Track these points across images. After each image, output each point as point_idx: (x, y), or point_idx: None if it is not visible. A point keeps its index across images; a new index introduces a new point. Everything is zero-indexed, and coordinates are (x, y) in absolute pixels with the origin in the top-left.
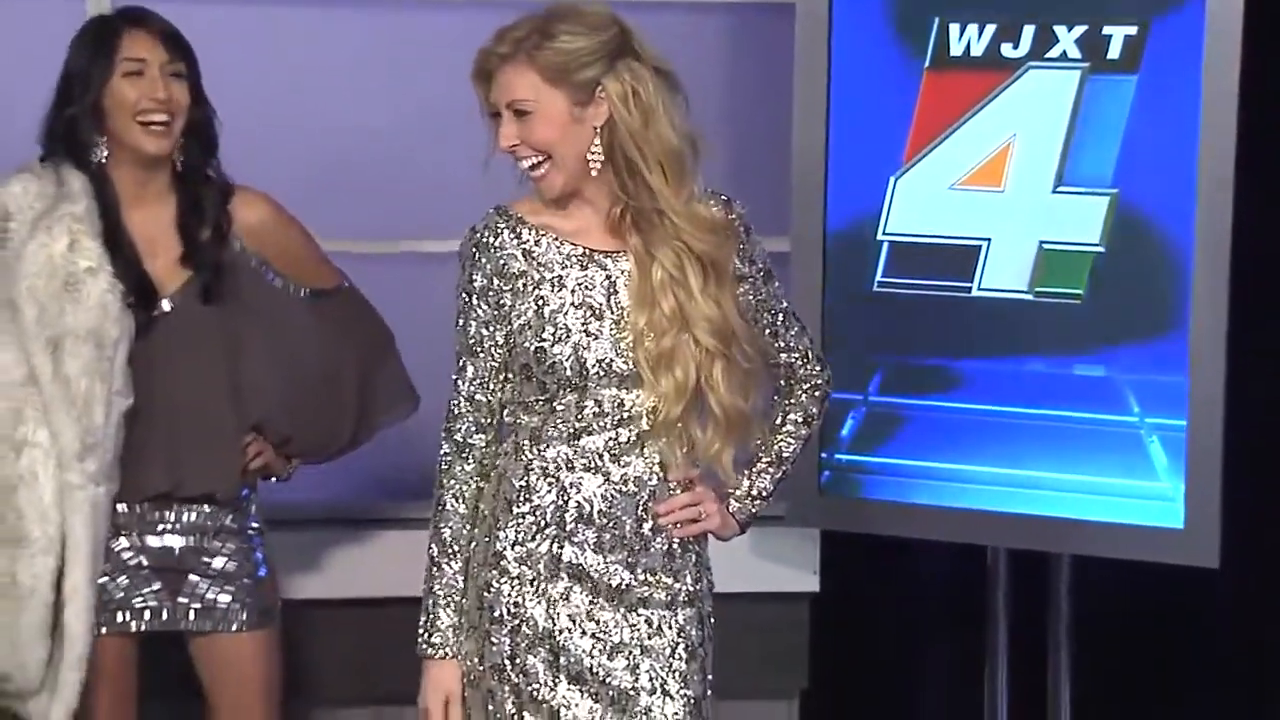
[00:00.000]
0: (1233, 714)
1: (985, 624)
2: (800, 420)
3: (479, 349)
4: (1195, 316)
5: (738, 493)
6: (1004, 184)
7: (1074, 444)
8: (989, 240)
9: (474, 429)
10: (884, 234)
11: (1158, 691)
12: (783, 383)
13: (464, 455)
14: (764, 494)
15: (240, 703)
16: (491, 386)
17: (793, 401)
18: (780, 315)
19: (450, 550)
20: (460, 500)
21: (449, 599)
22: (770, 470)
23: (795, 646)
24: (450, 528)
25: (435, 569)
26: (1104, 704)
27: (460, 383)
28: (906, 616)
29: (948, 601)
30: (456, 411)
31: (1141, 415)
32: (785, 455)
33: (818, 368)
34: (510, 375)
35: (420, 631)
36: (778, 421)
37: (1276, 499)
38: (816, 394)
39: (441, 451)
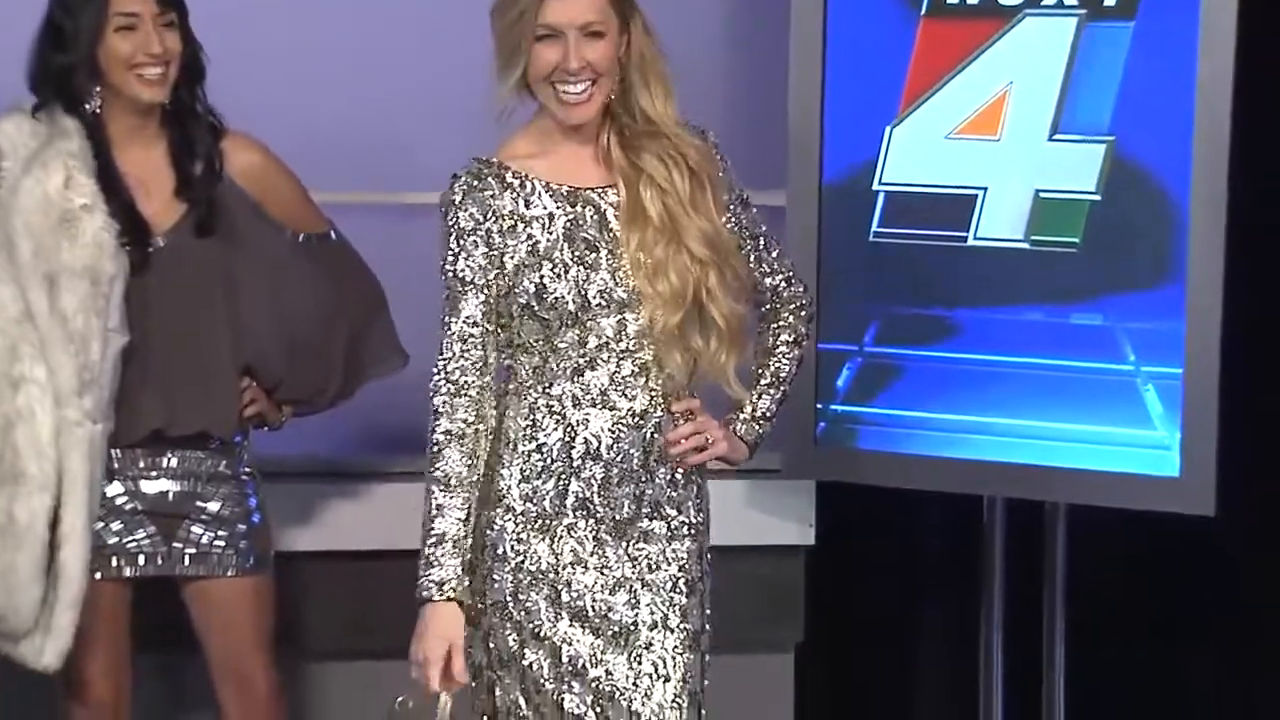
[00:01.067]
0: (1227, 660)
1: (981, 574)
2: (792, 340)
3: (470, 288)
4: (1192, 264)
5: (742, 415)
6: (1000, 133)
7: (1070, 393)
8: (985, 189)
9: (467, 368)
10: (880, 184)
11: (1153, 639)
12: (768, 307)
13: (458, 395)
14: (768, 414)
15: (234, 647)
16: (485, 326)
17: (781, 324)
18: (761, 239)
19: (450, 488)
20: (456, 440)
21: (452, 539)
22: (770, 391)
23: (791, 600)
24: (448, 468)
25: (436, 510)
26: (1100, 652)
27: (452, 323)
28: (902, 568)
29: (943, 553)
30: (449, 353)
31: (1137, 364)
32: (783, 375)
33: (801, 289)
34: (507, 317)
35: (421, 574)
36: (770, 344)
37: (1272, 447)
38: (803, 314)
39: (434, 392)
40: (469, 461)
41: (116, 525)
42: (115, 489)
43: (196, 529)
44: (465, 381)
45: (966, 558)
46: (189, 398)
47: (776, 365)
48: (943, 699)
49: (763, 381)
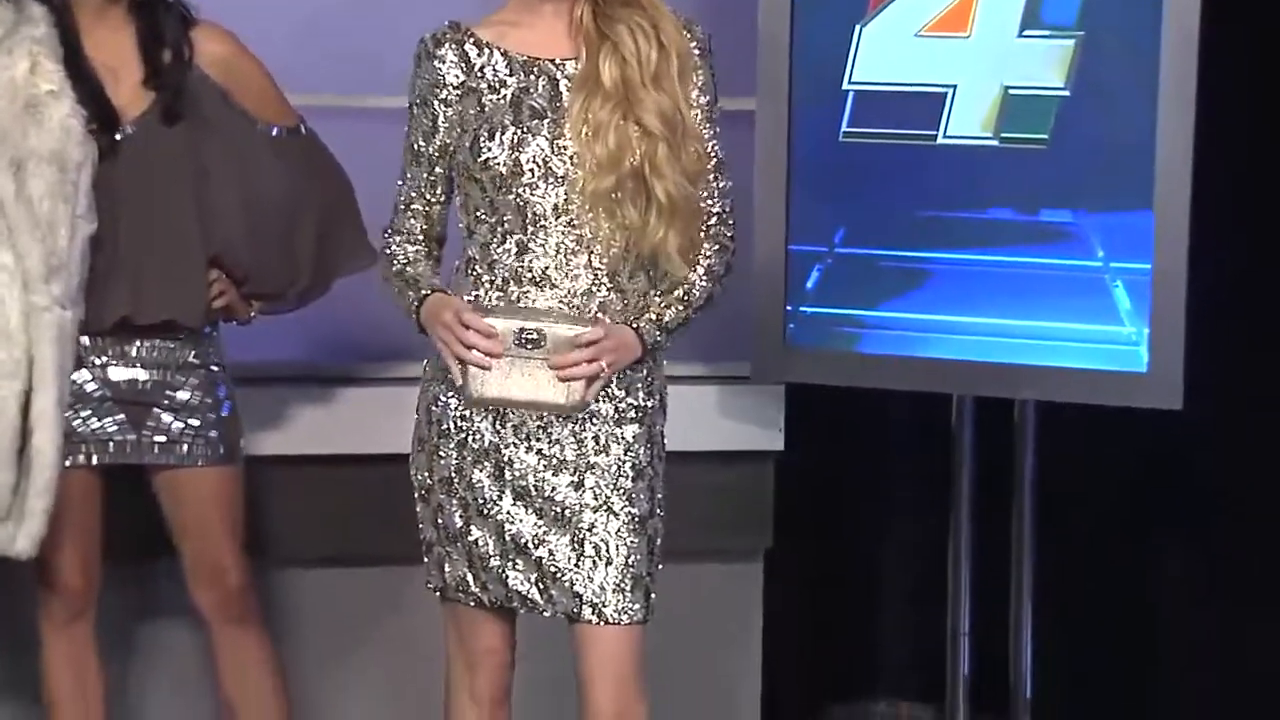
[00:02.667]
0: (1195, 555)
1: (950, 475)
2: (714, 271)
3: (419, 157)
4: (1160, 160)
5: (647, 316)
6: (970, 29)
7: (1039, 291)
8: (954, 87)
9: (413, 234)
10: (849, 84)
11: (1122, 536)
12: (700, 233)
13: (405, 252)
14: (670, 327)
15: (204, 539)
16: (429, 197)
17: (707, 251)
18: (715, 160)
19: (408, 265)
20: (408, 267)
21: (417, 272)
22: (679, 306)
23: (760, 506)
24: (400, 265)
25: (398, 273)
26: (1068, 551)
27: (401, 188)
28: (872, 473)
29: (913, 457)
30: (395, 222)
31: (1106, 260)
32: (694, 299)
33: (729, 234)
34: (455, 189)
35: (403, 302)
36: (694, 262)
37: (1239, 341)
38: (725, 255)
39: (382, 250)
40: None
41: (86, 413)
42: (83, 376)
43: (166, 417)
44: (410, 245)
45: (935, 461)
46: (156, 286)
47: (692, 288)
48: (912, 602)
49: (674, 294)
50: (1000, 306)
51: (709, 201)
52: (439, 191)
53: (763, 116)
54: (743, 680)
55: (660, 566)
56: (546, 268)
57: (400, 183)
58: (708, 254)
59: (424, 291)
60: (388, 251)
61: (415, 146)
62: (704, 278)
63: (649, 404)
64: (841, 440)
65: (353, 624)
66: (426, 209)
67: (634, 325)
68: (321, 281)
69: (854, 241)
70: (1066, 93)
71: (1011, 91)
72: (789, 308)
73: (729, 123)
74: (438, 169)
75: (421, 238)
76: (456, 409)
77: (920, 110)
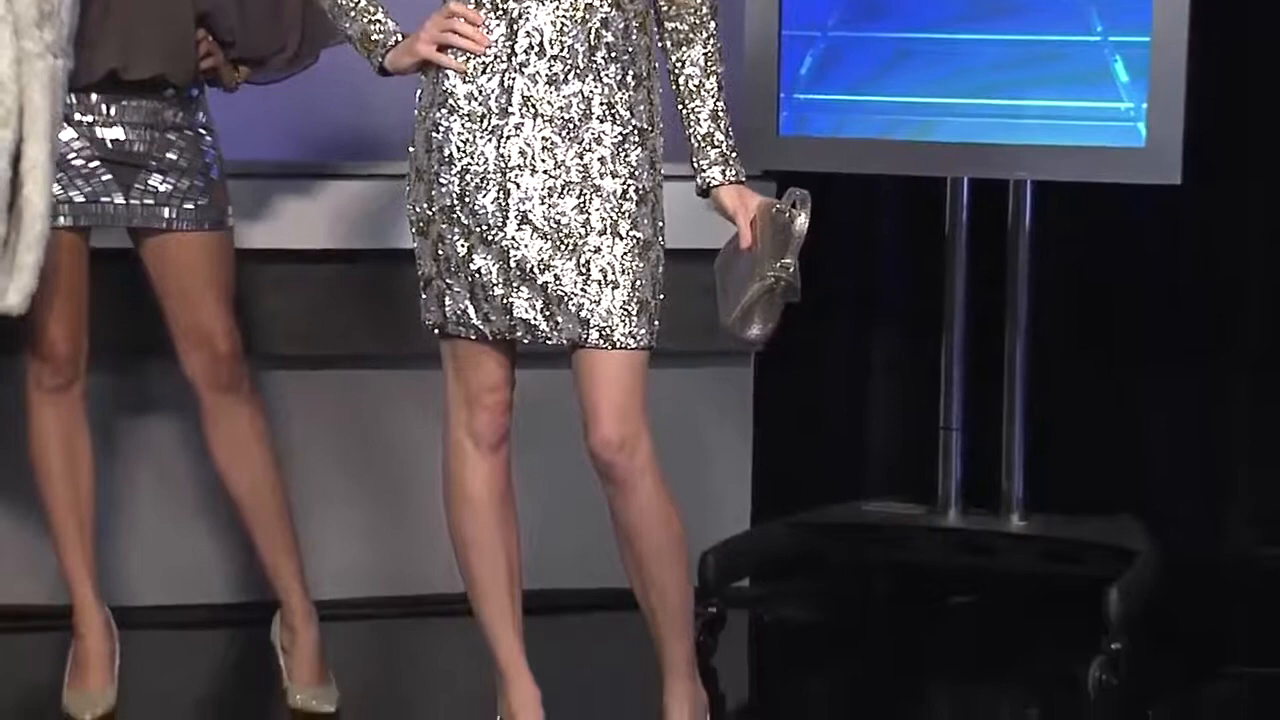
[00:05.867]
0: (1191, 332)
1: (944, 262)
2: (705, 62)
3: None
4: None
5: (717, 169)
6: None
7: (1036, 67)
8: None
9: None
10: None
11: (1118, 315)
12: (672, 24)
13: None
14: (731, 145)
15: (192, 305)
16: None
17: (691, 50)
18: None
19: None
20: None
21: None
22: (716, 128)
23: None
24: None
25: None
26: (1064, 335)
27: None
28: (864, 263)
29: (907, 244)
30: None
31: (1105, 34)
32: (721, 109)
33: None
34: None
35: (368, 48)
36: (691, 83)
37: (1238, 115)
38: (719, 43)
39: None
40: None
41: (73, 174)
42: (70, 135)
43: (154, 179)
44: None
45: (929, 248)
46: (146, 40)
47: (710, 104)
48: (904, 395)
49: (702, 128)
50: (996, 85)
51: None
52: None
53: None
54: (733, 483)
55: (664, 297)
56: None
57: None
58: (692, 48)
59: (395, 34)
60: None
61: None
62: (708, 88)
63: (650, 128)
64: (835, 229)
65: (334, 423)
66: None
67: (722, 183)
68: (308, 50)
69: (847, 24)
70: None
71: None
72: (782, 95)
73: None
74: None
75: None
76: (459, 134)
77: None
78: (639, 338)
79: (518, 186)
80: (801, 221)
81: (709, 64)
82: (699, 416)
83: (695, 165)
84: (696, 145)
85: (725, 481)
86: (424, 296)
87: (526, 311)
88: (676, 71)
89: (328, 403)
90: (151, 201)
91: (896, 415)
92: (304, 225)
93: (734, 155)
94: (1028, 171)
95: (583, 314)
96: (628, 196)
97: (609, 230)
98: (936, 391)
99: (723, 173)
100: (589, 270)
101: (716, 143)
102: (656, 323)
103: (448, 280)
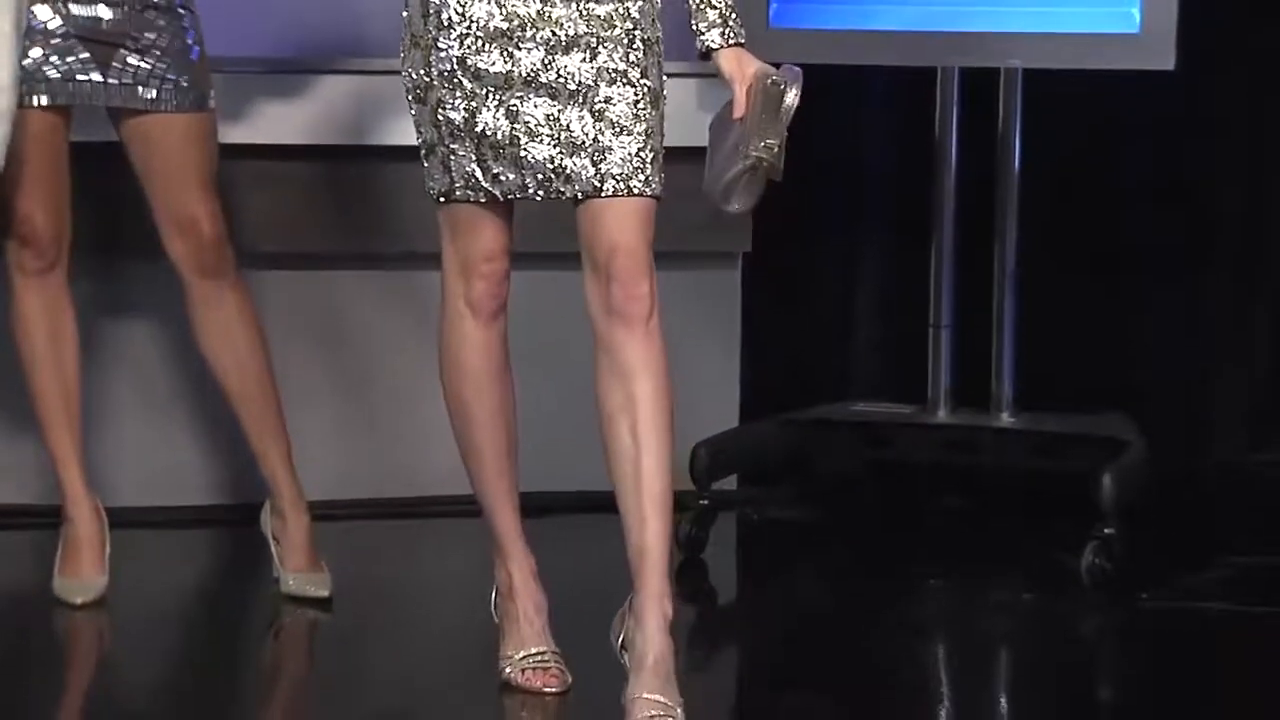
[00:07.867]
0: (1186, 219)
1: (933, 157)
2: None
3: None
4: None
5: (716, 30)
6: None
7: None
8: None
9: None
10: None
11: (1112, 205)
12: None
13: None
14: (732, 8)
15: (174, 188)
16: None
17: None
18: None
19: None
20: None
21: None
22: None
23: None
24: None
25: None
26: (1054, 228)
27: None
28: (850, 163)
29: (895, 141)
30: None
31: None
32: None
33: None
34: None
35: None
36: None
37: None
38: None
39: None
40: None
41: (50, 53)
42: (45, 13)
43: (133, 59)
44: None
45: (918, 145)
46: None
47: None
48: (893, 299)
49: None
50: None
51: None
52: None
53: None
54: (720, 385)
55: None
56: None
57: None
58: None
59: None
60: None
61: None
62: None
63: None
64: (822, 129)
65: (316, 322)
66: None
67: (721, 45)
68: None
69: None
70: None
71: None
72: None
73: None
74: None
75: None
76: None
77: None
78: (654, 186)
79: (519, 48)
80: (791, 97)
81: None
82: (687, 317)
83: (694, 28)
84: (695, 6)
85: (714, 383)
86: (426, 165)
87: (540, 166)
88: None
89: (307, 301)
90: (130, 80)
91: (886, 314)
92: (285, 122)
93: (733, 16)
94: (1020, 59)
95: (596, 161)
96: (634, 45)
97: (619, 79)
98: (926, 290)
99: (722, 34)
100: (601, 120)
101: (715, 3)
102: (663, 175)
103: (450, 145)
